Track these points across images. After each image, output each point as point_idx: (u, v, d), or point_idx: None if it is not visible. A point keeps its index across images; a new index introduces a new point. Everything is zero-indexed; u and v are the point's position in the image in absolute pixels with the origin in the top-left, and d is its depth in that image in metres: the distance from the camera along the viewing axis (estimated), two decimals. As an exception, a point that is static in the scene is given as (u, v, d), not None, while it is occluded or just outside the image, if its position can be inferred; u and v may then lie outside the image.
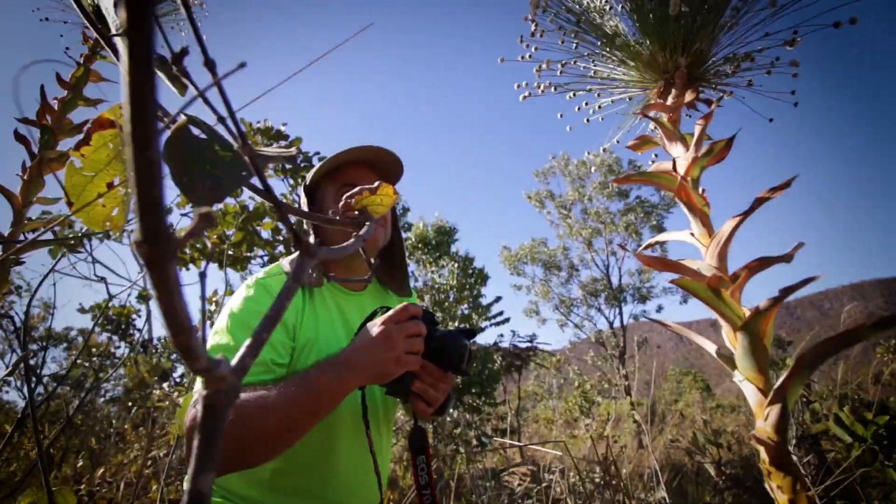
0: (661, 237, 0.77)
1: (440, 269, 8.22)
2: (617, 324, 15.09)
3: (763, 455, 0.53)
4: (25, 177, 1.34)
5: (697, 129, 0.70)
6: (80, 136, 0.37)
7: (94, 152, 0.33)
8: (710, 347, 0.63)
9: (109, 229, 0.35)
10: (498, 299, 8.42)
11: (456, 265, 8.05)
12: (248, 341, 0.18)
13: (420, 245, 8.33)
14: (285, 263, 0.91)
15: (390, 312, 0.75)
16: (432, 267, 8.25)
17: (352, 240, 0.33)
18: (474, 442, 4.95)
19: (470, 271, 8.18)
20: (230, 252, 4.83)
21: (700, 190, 0.69)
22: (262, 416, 0.65)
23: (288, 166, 5.26)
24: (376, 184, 0.42)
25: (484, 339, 8.34)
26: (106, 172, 0.33)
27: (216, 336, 0.79)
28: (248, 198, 4.97)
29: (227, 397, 0.16)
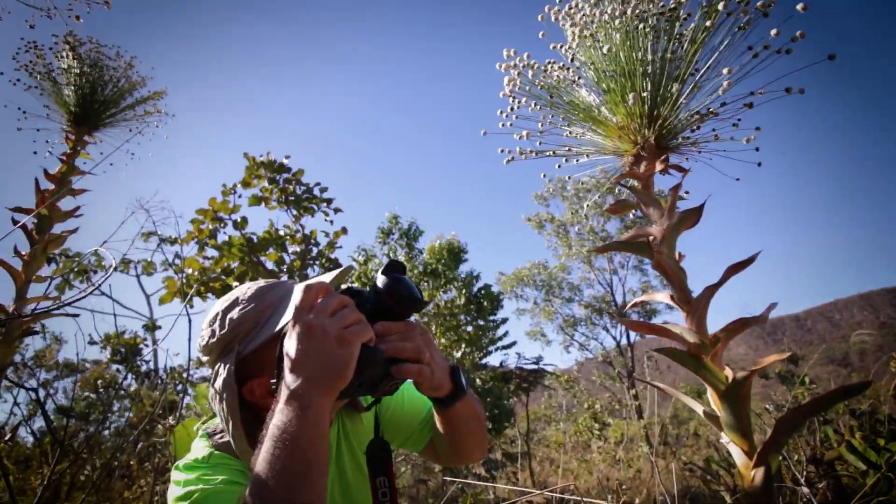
0: (645, 297, 0.82)
1: (447, 292, 8.26)
2: (624, 342, 14.99)
3: (752, 517, 0.56)
4: (27, 257, 1.43)
5: (669, 199, 0.76)
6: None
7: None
8: (698, 408, 0.66)
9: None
10: (504, 321, 8.46)
11: (462, 286, 8.10)
12: None
13: (428, 273, 8.38)
14: (202, 446, 0.75)
15: (292, 310, 0.62)
16: (438, 293, 8.28)
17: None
18: (482, 472, 4.87)
19: (477, 292, 8.24)
20: (234, 284, 4.89)
21: (676, 255, 0.73)
22: None
23: (291, 197, 5.38)
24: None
25: (490, 361, 8.32)
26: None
27: None
28: (252, 232, 5.08)
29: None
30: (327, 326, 0.58)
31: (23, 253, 1.43)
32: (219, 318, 0.73)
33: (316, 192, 5.44)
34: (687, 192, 0.87)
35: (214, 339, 0.72)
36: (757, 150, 0.88)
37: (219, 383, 0.70)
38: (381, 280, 0.67)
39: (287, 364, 0.58)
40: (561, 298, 15.94)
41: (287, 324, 0.62)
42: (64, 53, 1.84)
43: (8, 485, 1.62)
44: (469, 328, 8.03)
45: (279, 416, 0.55)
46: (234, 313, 0.72)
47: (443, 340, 7.38)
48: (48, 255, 1.47)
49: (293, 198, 5.41)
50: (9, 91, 1.76)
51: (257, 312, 0.72)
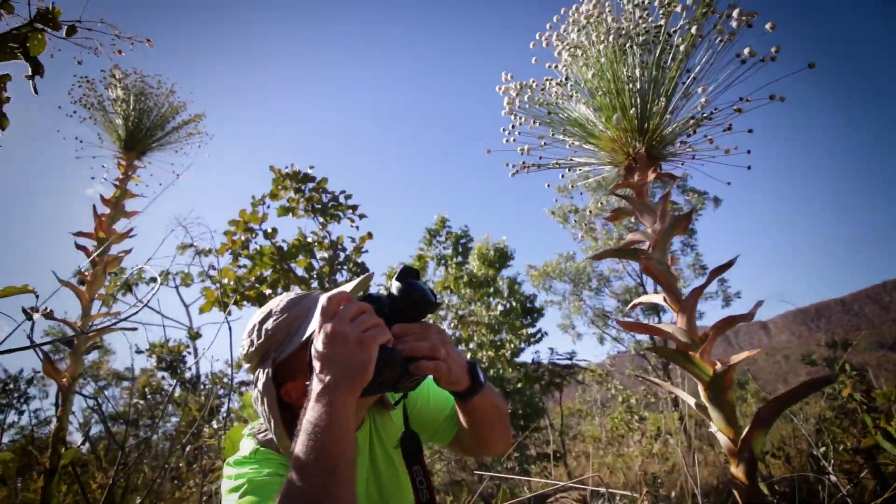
0: (642, 299, 0.87)
1: (488, 303, 8.20)
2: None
3: (737, 497, 0.62)
4: (89, 277, 1.60)
5: (659, 208, 0.81)
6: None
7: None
8: (689, 399, 0.72)
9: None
10: (540, 314, 8.40)
11: (504, 301, 8.03)
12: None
13: (471, 281, 8.33)
14: (249, 443, 0.85)
15: (318, 316, 0.69)
16: (480, 302, 8.25)
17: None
18: (516, 469, 4.92)
19: (522, 304, 8.16)
20: (267, 292, 5.12)
21: (669, 258, 0.79)
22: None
23: (317, 206, 5.57)
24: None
25: (522, 358, 8.29)
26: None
27: None
28: (282, 240, 5.29)
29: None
30: (348, 331, 0.64)
31: (86, 274, 1.60)
32: (256, 329, 0.82)
33: (341, 199, 5.61)
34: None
35: (253, 349, 0.81)
36: (749, 152, 0.92)
37: (259, 387, 0.78)
38: (395, 286, 0.73)
39: (315, 367, 0.66)
40: (590, 290, 15.71)
41: (314, 331, 0.69)
42: (112, 85, 2.02)
43: (81, 485, 1.80)
44: (509, 337, 7.98)
45: (311, 412, 0.63)
46: (269, 324, 0.81)
47: (489, 353, 7.32)
48: (107, 274, 1.64)
49: (319, 206, 5.59)
50: (65, 123, 1.95)
51: (289, 322, 0.80)
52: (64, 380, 1.49)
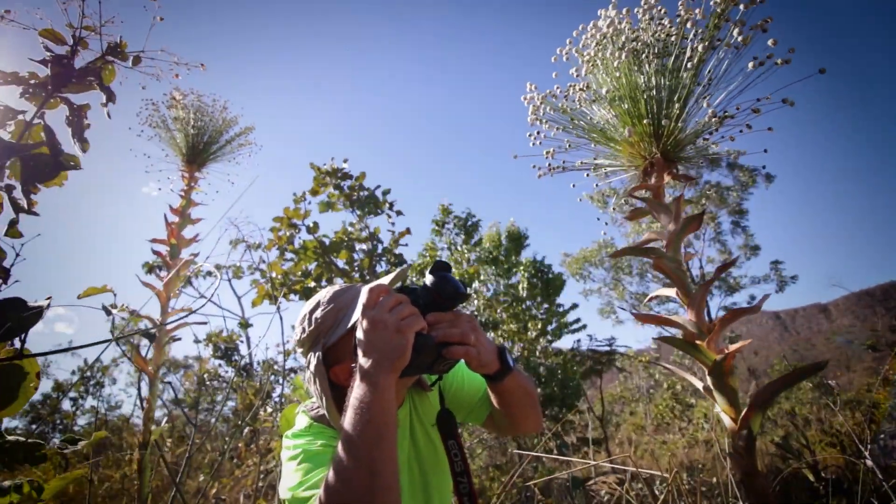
0: (659, 292, 0.95)
1: (510, 277, 8.32)
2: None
3: (735, 468, 0.70)
4: (165, 279, 1.83)
5: (673, 209, 0.88)
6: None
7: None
8: (698, 384, 0.80)
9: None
10: (574, 306, 8.38)
11: (526, 273, 8.11)
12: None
13: (489, 261, 8.47)
14: (304, 419, 0.95)
15: (360, 307, 0.77)
16: (502, 278, 8.36)
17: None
18: (554, 451, 5.00)
19: (542, 277, 8.20)
20: (312, 284, 5.41)
21: (682, 255, 0.86)
22: (347, 482, 0.67)
23: (356, 200, 5.79)
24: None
25: (561, 344, 8.29)
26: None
27: (300, 493, 0.79)
28: (323, 235, 5.56)
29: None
30: (387, 319, 0.72)
31: (162, 276, 1.84)
32: (306, 318, 0.92)
33: (378, 194, 5.80)
34: (688, 202, 0.98)
35: (305, 335, 0.90)
36: (765, 151, 0.97)
37: (311, 369, 0.88)
38: (429, 279, 0.81)
39: (359, 351, 0.74)
40: (631, 276, 15.30)
41: (357, 319, 0.78)
42: (173, 106, 2.24)
43: (164, 459, 2.06)
44: (535, 312, 8.06)
45: (356, 391, 0.72)
46: (318, 313, 0.90)
47: (512, 326, 7.47)
48: (180, 276, 1.86)
49: (357, 201, 5.80)
50: (135, 141, 2.20)
51: (335, 312, 0.90)
52: (150, 368, 1.73)
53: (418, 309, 0.77)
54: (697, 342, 0.76)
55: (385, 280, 0.86)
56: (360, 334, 0.75)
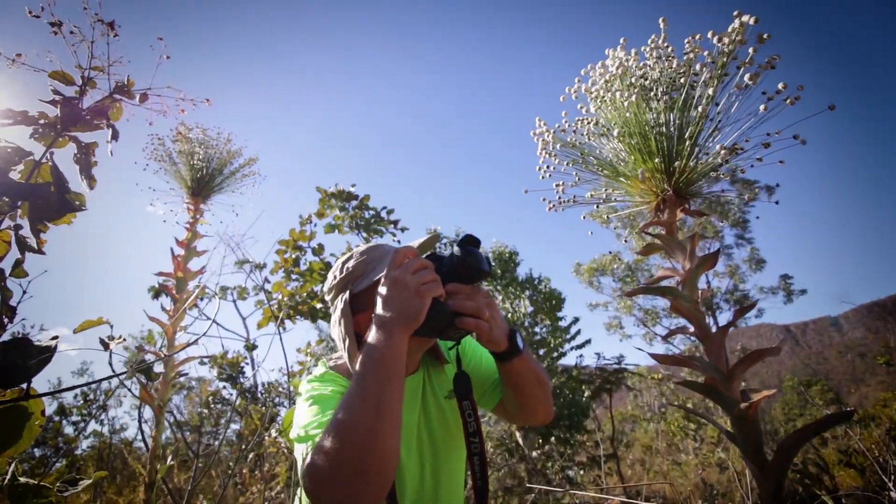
0: (677, 330, 0.93)
1: (510, 297, 8.25)
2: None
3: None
4: (172, 313, 1.82)
5: (688, 246, 0.87)
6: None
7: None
8: (721, 427, 0.77)
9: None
10: (576, 320, 8.30)
11: (525, 291, 8.04)
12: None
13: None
14: (321, 368, 0.99)
15: (389, 266, 0.82)
16: (501, 296, 8.31)
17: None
18: (559, 478, 4.89)
19: (541, 293, 8.12)
20: (319, 305, 5.40)
21: (698, 294, 0.85)
22: (353, 413, 0.70)
23: (361, 222, 5.82)
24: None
25: (566, 362, 8.18)
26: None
27: (309, 430, 0.82)
28: (330, 254, 5.57)
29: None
30: (408, 281, 0.78)
31: (169, 310, 1.84)
32: (340, 266, 0.98)
33: (383, 214, 5.84)
34: (703, 237, 0.97)
35: (336, 281, 0.97)
36: (777, 185, 0.96)
37: (338, 312, 0.94)
38: (457, 250, 0.85)
39: (379, 303, 0.79)
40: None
41: (382, 275, 0.83)
42: (178, 140, 2.27)
43: (170, 493, 2.02)
44: (538, 329, 7.97)
45: (372, 338, 0.76)
46: (350, 263, 0.97)
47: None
48: (186, 310, 1.86)
49: (362, 222, 5.84)
50: (140, 175, 2.22)
51: (365, 264, 0.96)
52: (157, 404, 1.72)
53: (441, 277, 0.80)
54: (717, 386, 0.74)
55: (415, 243, 0.91)
56: (381, 289, 0.80)
